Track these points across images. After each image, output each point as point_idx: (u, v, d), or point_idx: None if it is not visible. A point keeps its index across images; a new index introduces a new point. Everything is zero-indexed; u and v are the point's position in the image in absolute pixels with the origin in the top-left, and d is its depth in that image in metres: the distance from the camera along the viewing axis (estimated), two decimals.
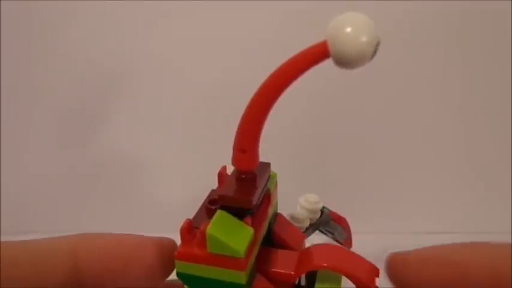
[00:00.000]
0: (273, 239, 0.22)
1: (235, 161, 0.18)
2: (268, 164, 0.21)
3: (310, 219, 0.30)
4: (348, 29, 0.14)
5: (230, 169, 0.21)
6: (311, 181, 0.44)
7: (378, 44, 0.15)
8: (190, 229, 0.18)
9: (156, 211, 0.45)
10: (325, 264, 0.19)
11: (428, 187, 0.45)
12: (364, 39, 0.14)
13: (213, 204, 0.19)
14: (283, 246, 0.22)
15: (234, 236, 0.17)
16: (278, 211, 0.23)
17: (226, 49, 0.42)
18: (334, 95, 0.43)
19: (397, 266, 0.17)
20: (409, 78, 0.43)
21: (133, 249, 0.19)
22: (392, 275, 0.18)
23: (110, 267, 0.18)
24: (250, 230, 0.18)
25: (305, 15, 0.39)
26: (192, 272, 0.18)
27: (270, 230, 0.22)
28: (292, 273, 0.20)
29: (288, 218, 0.29)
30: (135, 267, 0.18)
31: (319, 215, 0.31)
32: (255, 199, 0.18)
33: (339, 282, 0.21)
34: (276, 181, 0.22)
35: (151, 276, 0.19)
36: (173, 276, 0.19)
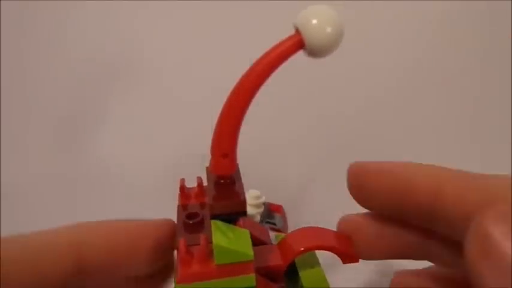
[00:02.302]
0: None
1: (215, 167, 0.18)
2: (237, 165, 0.21)
3: (257, 212, 0.31)
4: (320, 19, 0.15)
5: (189, 180, 0.20)
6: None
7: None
8: (187, 248, 0.17)
9: (157, 210, 0.42)
10: (302, 248, 0.20)
11: None
12: (331, 29, 0.15)
13: (191, 218, 0.19)
14: (256, 242, 0.23)
15: (238, 241, 0.17)
16: None
17: (223, 50, 0.42)
18: (326, 91, 0.43)
19: (355, 176, 0.19)
20: (409, 79, 0.43)
21: (135, 235, 0.19)
22: (351, 185, 0.19)
23: (113, 256, 0.18)
24: (247, 232, 0.18)
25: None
26: (210, 273, 0.17)
27: None
28: (281, 263, 0.21)
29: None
30: (138, 253, 0.18)
31: (262, 208, 0.32)
32: (244, 202, 0.18)
33: (317, 261, 0.22)
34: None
35: (154, 260, 0.19)
36: None
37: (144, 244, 0.18)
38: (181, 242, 0.17)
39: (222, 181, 0.19)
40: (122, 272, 0.19)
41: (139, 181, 0.46)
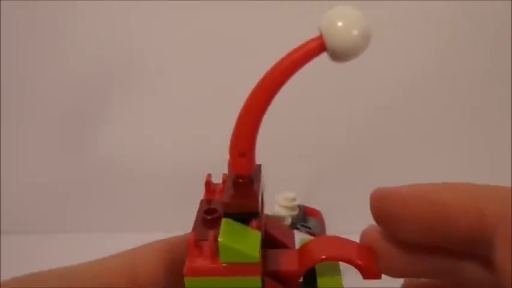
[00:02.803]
0: (267, 239, 0.22)
1: (233, 166, 0.18)
2: (259, 166, 0.21)
3: (290, 215, 0.31)
4: (340, 23, 0.15)
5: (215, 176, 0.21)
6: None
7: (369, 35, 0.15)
8: (197, 242, 0.17)
9: (156, 210, 0.44)
10: (324, 257, 0.20)
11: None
12: (355, 32, 0.15)
13: (209, 214, 0.19)
14: (278, 245, 0.22)
15: (245, 241, 0.17)
16: None
17: (225, 49, 0.42)
18: (332, 94, 0.43)
19: (380, 202, 0.17)
20: (414, 80, 0.43)
21: (181, 251, 0.18)
22: (375, 211, 0.17)
23: (165, 274, 0.18)
24: (258, 234, 0.18)
25: (305, 15, 0.41)
26: (204, 286, 0.18)
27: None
28: (296, 269, 0.20)
29: (270, 214, 0.29)
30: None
31: (297, 211, 0.32)
32: (258, 203, 0.18)
33: (338, 271, 0.21)
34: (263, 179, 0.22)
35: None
36: None
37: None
38: (192, 235, 0.17)
39: (240, 180, 0.19)
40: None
41: (142, 181, 0.46)
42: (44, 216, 0.43)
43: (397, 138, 0.44)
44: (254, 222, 0.18)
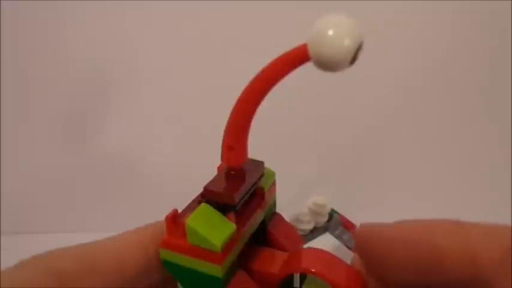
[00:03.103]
0: (267, 238, 0.23)
1: (223, 158, 0.19)
2: (261, 163, 0.21)
3: (316, 222, 0.30)
4: (329, 32, 0.14)
5: None
6: (321, 183, 0.43)
7: (359, 48, 0.14)
8: (175, 219, 0.18)
9: (158, 210, 0.45)
10: (312, 270, 0.19)
11: (430, 187, 0.45)
12: (346, 42, 0.14)
13: (204, 197, 0.20)
14: (277, 246, 0.22)
15: (213, 229, 0.18)
16: (281, 211, 0.23)
17: (224, 49, 0.42)
18: (335, 95, 0.43)
19: (365, 243, 0.16)
20: (412, 79, 0.43)
21: None
22: (360, 252, 0.16)
23: None
24: (232, 226, 0.18)
25: (305, 16, 0.40)
26: (175, 260, 0.19)
27: (264, 229, 0.22)
28: (275, 273, 0.20)
29: (291, 218, 0.29)
30: None
31: (327, 218, 0.31)
32: (239, 196, 0.19)
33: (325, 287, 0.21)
34: (274, 180, 0.22)
35: None
36: None
37: None
38: (171, 212, 0.18)
39: (232, 172, 0.19)
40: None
41: (142, 180, 0.45)
42: (44, 216, 0.43)
43: (397, 138, 0.44)
44: (231, 215, 0.18)
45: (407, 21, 0.41)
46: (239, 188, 0.19)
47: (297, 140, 0.44)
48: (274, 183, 0.22)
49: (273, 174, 0.22)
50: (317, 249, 0.21)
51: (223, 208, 0.19)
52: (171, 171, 0.45)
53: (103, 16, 0.40)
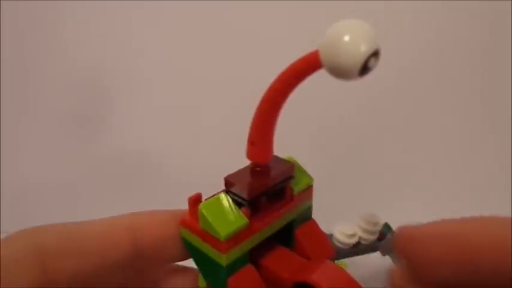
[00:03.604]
0: (294, 242, 0.22)
1: (247, 152, 0.19)
2: (291, 165, 0.21)
3: (364, 239, 0.29)
4: (344, 38, 0.14)
5: None
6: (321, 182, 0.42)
7: (373, 55, 0.14)
8: (196, 201, 0.19)
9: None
10: (321, 285, 0.19)
11: (430, 187, 0.44)
12: (363, 48, 0.14)
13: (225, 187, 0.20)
14: (301, 252, 0.22)
15: (223, 219, 0.18)
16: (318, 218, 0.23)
17: (228, 47, 0.41)
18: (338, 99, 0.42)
19: (404, 242, 0.16)
20: (411, 79, 0.42)
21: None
22: (399, 251, 0.16)
23: (163, 242, 0.19)
24: (243, 220, 0.19)
25: (305, 16, 0.38)
26: (190, 240, 0.20)
27: (291, 232, 0.22)
28: (285, 277, 0.20)
29: (336, 229, 0.28)
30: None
31: (376, 236, 0.29)
32: (253, 192, 0.19)
33: None
34: (311, 186, 0.22)
35: None
36: None
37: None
38: (196, 194, 0.19)
39: (257, 168, 0.20)
40: (169, 258, 0.20)
41: (142, 180, 0.44)
42: (44, 216, 0.43)
43: (397, 138, 0.44)
44: (246, 209, 0.19)
45: (408, 21, 0.40)
46: (256, 184, 0.19)
47: (297, 139, 0.41)
48: (309, 189, 0.22)
49: (310, 179, 0.22)
50: (337, 266, 0.20)
51: (239, 201, 0.19)
52: (176, 169, 0.44)
53: (105, 16, 0.40)
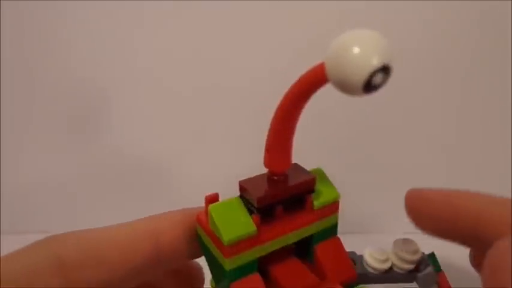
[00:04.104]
0: (313, 258, 0.22)
1: (264, 159, 0.19)
2: (312, 178, 0.20)
3: (398, 267, 0.27)
4: (348, 50, 0.13)
5: None
6: None
7: (380, 71, 0.13)
8: (212, 201, 0.19)
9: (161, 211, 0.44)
10: None
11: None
12: (366, 62, 0.13)
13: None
14: (319, 269, 0.22)
15: (231, 223, 0.18)
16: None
17: (228, 48, 0.40)
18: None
19: (411, 202, 0.22)
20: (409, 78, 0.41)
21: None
22: (410, 210, 0.22)
23: (184, 245, 0.19)
24: (251, 227, 0.19)
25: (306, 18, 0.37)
26: (202, 237, 0.20)
27: (310, 247, 0.22)
28: None
29: (367, 250, 0.27)
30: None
31: (412, 266, 0.27)
32: (264, 200, 0.19)
33: None
34: (337, 202, 0.21)
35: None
36: None
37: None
38: (214, 193, 0.20)
39: (274, 177, 0.20)
40: (185, 257, 0.20)
41: (142, 180, 0.43)
42: (44, 216, 0.43)
43: (397, 139, 0.44)
44: (256, 216, 0.19)
45: (408, 21, 0.39)
46: (269, 193, 0.19)
47: (298, 139, 0.40)
48: (334, 204, 0.21)
49: (335, 194, 0.21)
50: None
51: (250, 208, 0.19)
52: (177, 171, 0.44)
53: (105, 16, 0.39)
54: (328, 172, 0.23)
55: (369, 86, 0.13)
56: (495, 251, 0.15)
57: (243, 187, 0.19)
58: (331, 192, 0.21)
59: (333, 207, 0.21)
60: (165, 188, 0.44)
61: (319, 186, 0.21)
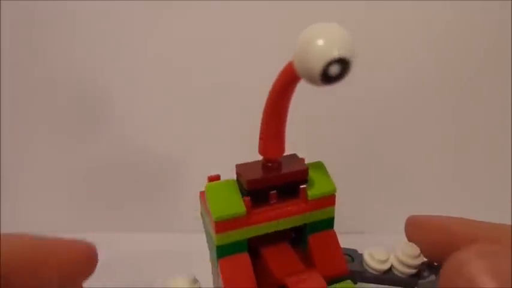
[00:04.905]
0: (307, 248, 0.23)
1: (258, 146, 0.21)
2: (304, 168, 0.22)
3: (398, 270, 0.27)
4: (307, 42, 0.14)
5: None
6: None
7: (336, 62, 0.14)
8: (213, 180, 0.21)
9: (160, 210, 0.45)
10: None
11: (430, 188, 0.46)
12: (320, 54, 0.14)
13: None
14: (309, 259, 0.23)
15: (222, 202, 0.20)
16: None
17: (231, 46, 0.40)
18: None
19: (410, 228, 0.24)
20: (411, 79, 0.42)
21: (48, 252, 0.19)
22: (407, 235, 0.25)
23: (14, 270, 0.18)
24: (241, 208, 0.20)
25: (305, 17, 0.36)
26: (202, 212, 0.22)
27: (305, 237, 0.23)
28: (277, 276, 0.21)
29: (367, 249, 0.27)
30: (50, 269, 0.19)
31: (413, 271, 0.27)
32: (254, 184, 0.20)
33: None
34: (333, 195, 0.22)
35: (66, 277, 0.19)
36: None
37: (55, 262, 0.19)
38: (217, 174, 0.22)
39: (269, 164, 0.22)
40: (37, 284, 0.18)
41: (142, 180, 0.44)
42: (44, 216, 0.43)
43: (397, 139, 0.44)
44: (247, 199, 0.21)
45: (408, 20, 0.40)
46: (260, 177, 0.21)
47: (298, 139, 0.39)
48: (330, 197, 0.22)
49: (331, 187, 0.22)
50: (322, 282, 0.20)
51: (243, 190, 0.21)
52: (178, 169, 0.44)
53: (106, 15, 0.40)
54: (328, 172, 0.24)
55: (327, 77, 0.15)
56: (452, 261, 0.16)
57: (238, 171, 0.21)
58: (328, 185, 0.22)
59: (328, 199, 0.22)
60: (166, 187, 0.44)
61: (316, 178, 0.22)
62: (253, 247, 0.22)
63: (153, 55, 0.41)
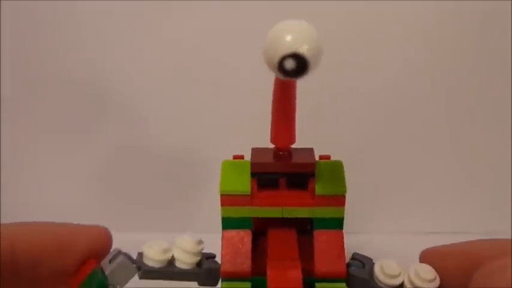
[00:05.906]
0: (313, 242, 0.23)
1: (270, 135, 0.22)
2: (312, 162, 0.22)
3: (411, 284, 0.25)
4: (268, 40, 0.16)
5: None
6: None
7: (291, 56, 0.15)
8: (237, 158, 0.23)
9: (161, 211, 0.45)
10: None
11: (430, 188, 0.46)
12: (275, 48, 0.15)
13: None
14: (311, 253, 0.23)
15: (231, 179, 0.22)
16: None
17: (232, 48, 0.40)
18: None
19: (426, 258, 0.24)
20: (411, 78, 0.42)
21: (66, 238, 0.21)
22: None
23: (41, 254, 0.20)
24: (246, 187, 0.21)
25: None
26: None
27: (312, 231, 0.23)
28: (270, 258, 0.22)
29: (379, 262, 0.26)
30: (66, 255, 0.20)
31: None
32: (258, 167, 0.21)
33: None
34: (343, 196, 0.22)
35: (80, 262, 0.21)
36: None
37: (72, 248, 0.21)
38: (241, 155, 0.24)
39: (280, 152, 0.22)
40: (50, 269, 0.20)
41: (142, 180, 0.44)
42: (44, 216, 0.45)
43: (397, 140, 0.44)
44: (254, 181, 0.21)
45: (408, 20, 0.40)
46: (265, 162, 0.22)
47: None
48: (339, 198, 0.22)
49: (341, 188, 0.22)
50: (299, 276, 0.21)
51: (253, 173, 0.22)
52: (183, 170, 0.44)
53: (106, 15, 0.40)
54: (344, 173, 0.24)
55: (284, 70, 0.15)
56: (489, 267, 0.17)
57: (252, 153, 0.22)
58: (339, 186, 0.22)
59: (337, 199, 0.22)
60: (167, 187, 0.45)
61: (330, 176, 0.22)
62: (263, 228, 0.23)
63: (162, 43, 0.41)
